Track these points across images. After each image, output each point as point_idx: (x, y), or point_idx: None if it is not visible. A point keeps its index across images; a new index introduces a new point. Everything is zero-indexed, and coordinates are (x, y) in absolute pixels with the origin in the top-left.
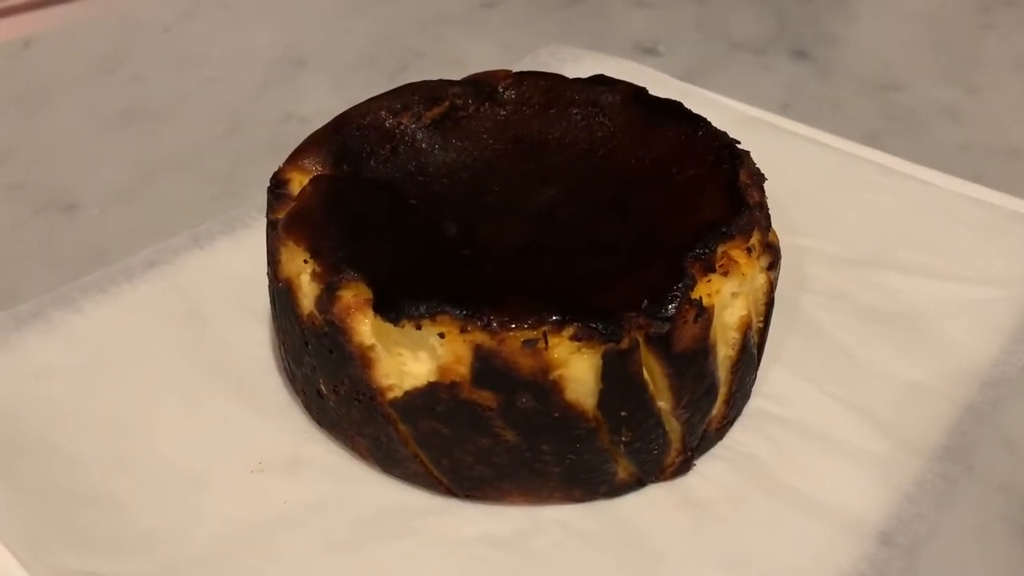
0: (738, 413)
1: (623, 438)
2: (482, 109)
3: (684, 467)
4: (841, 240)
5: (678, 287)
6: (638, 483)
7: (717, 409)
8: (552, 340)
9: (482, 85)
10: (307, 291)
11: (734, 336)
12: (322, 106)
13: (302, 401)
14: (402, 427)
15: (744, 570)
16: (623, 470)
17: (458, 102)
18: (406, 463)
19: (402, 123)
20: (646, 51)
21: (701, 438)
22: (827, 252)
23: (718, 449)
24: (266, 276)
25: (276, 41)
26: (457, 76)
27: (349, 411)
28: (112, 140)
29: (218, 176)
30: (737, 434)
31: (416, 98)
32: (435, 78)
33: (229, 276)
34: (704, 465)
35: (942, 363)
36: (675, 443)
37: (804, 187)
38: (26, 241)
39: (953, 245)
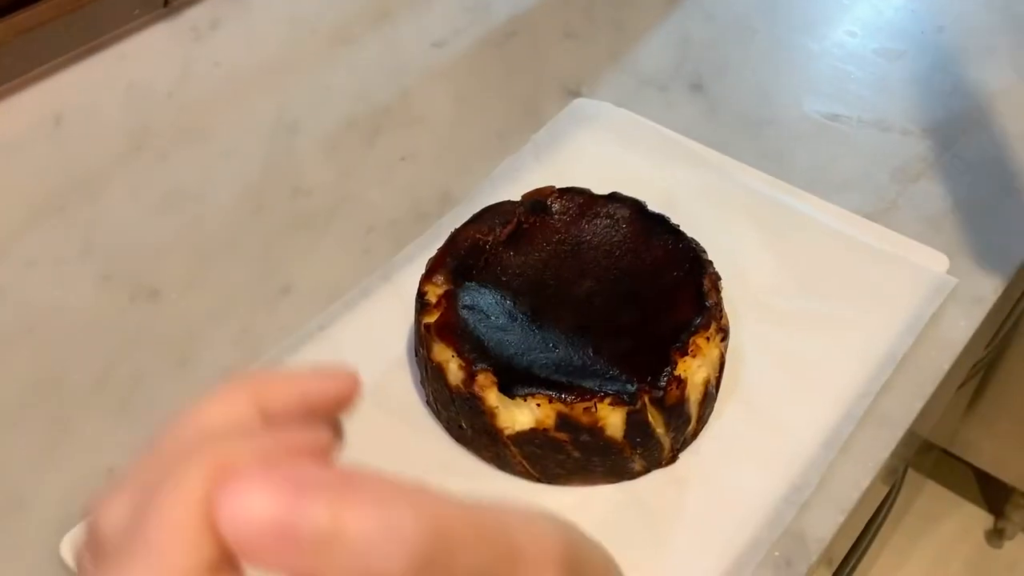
0: (704, 425)
1: (638, 451)
2: (537, 221)
3: (673, 460)
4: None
5: (666, 370)
6: (647, 470)
7: (691, 427)
8: (599, 406)
9: (537, 202)
10: (454, 371)
11: (700, 388)
12: (321, 179)
13: (445, 428)
14: (513, 449)
15: (704, 511)
16: (638, 464)
17: (522, 218)
18: (514, 466)
19: (488, 240)
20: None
21: (682, 443)
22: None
23: (692, 447)
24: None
25: (268, 102)
26: (423, 132)
27: (481, 438)
28: (164, 224)
29: (256, 256)
30: (703, 437)
31: (496, 220)
32: (407, 136)
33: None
34: (684, 457)
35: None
36: (666, 448)
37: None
38: (132, 327)
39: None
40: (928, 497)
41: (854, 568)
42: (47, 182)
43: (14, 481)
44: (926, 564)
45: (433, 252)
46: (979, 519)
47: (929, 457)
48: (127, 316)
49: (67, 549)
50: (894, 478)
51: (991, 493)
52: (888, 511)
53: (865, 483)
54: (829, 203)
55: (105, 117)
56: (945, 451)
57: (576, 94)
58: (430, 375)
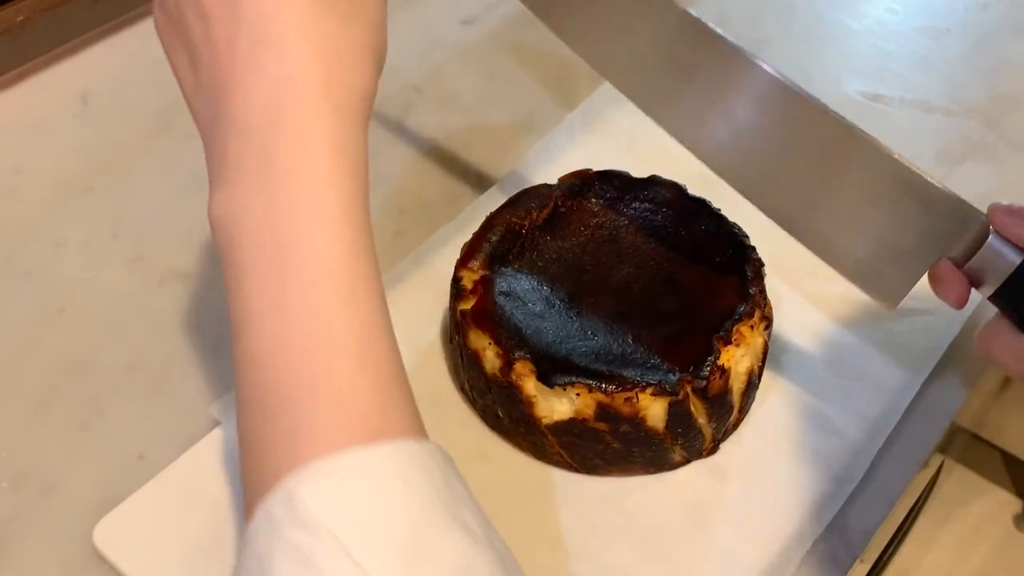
0: (746, 414)
1: (679, 441)
2: (575, 204)
3: (713, 450)
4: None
5: (709, 358)
6: (687, 461)
7: (733, 417)
8: (640, 396)
9: (574, 185)
10: (491, 359)
11: (743, 378)
12: None
13: (480, 415)
14: (551, 438)
15: (746, 502)
16: (678, 455)
17: (559, 202)
18: (552, 456)
19: (524, 224)
20: None
21: (723, 433)
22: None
23: (733, 437)
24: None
25: None
26: (454, 111)
27: (517, 427)
28: (194, 206)
29: None
30: (745, 427)
31: (533, 204)
32: (437, 115)
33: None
34: (725, 447)
35: (876, 371)
36: (708, 439)
37: None
38: (163, 311)
39: None
40: (955, 481)
41: (889, 559)
42: (75, 162)
43: (46, 466)
44: (952, 549)
45: (467, 235)
46: (1007, 504)
47: (958, 441)
48: (158, 299)
49: (100, 536)
50: (935, 467)
51: (1020, 477)
52: (925, 500)
53: (911, 474)
54: None
55: (133, 95)
56: (974, 435)
57: None
58: (466, 362)
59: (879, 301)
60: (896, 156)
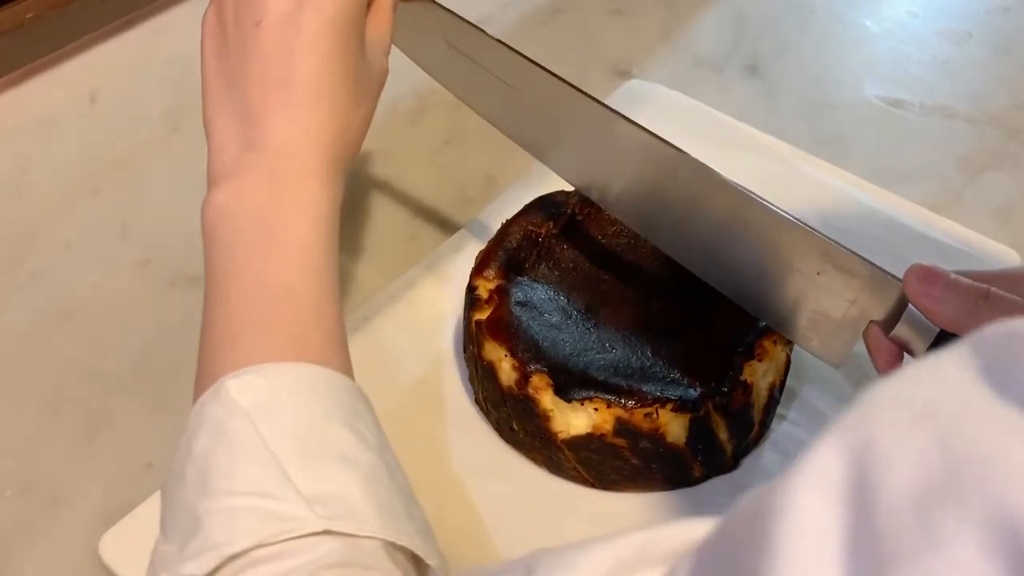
0: (767, 429)
1: (699, 458)
2: (591, 212)
3: (734, 466)
4: None
5: (731, 373)
6: (706, 477)
7: (754, 432)
8: (660, 412)
9: None
10: (507, 371)
11: (765, 393)
12: (364, 161)
13: (494, 428)
14: (568, 453)
15: None
16: (698, 471)
17: (576, 210)
18: (568, 471)
19: (541, 232)
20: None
21: (744, 449)
22: None
23: (754, 453)
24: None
25: None
26: (467, 114)
27: (533, 441)
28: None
29: None
30: (765, 443)
31: (549, 212)
32: (451, 117)
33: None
34: (745, 463)
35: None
36: (728, 454)
37: None
38: (172, 314)
39: None
40: None
41: None
42: (82, 162)
43: (52, 474)
44: None
45: (481, 242)
46: None
47: None
48: (167, 303)
49: (106, 548)
50: None
51: None
52: None
53: None
54: (892, 194)
55: (141, 94)
56: None
57: (626, 74)
58: (480, 374)
59: (825, 360)
60: (822, 235)
